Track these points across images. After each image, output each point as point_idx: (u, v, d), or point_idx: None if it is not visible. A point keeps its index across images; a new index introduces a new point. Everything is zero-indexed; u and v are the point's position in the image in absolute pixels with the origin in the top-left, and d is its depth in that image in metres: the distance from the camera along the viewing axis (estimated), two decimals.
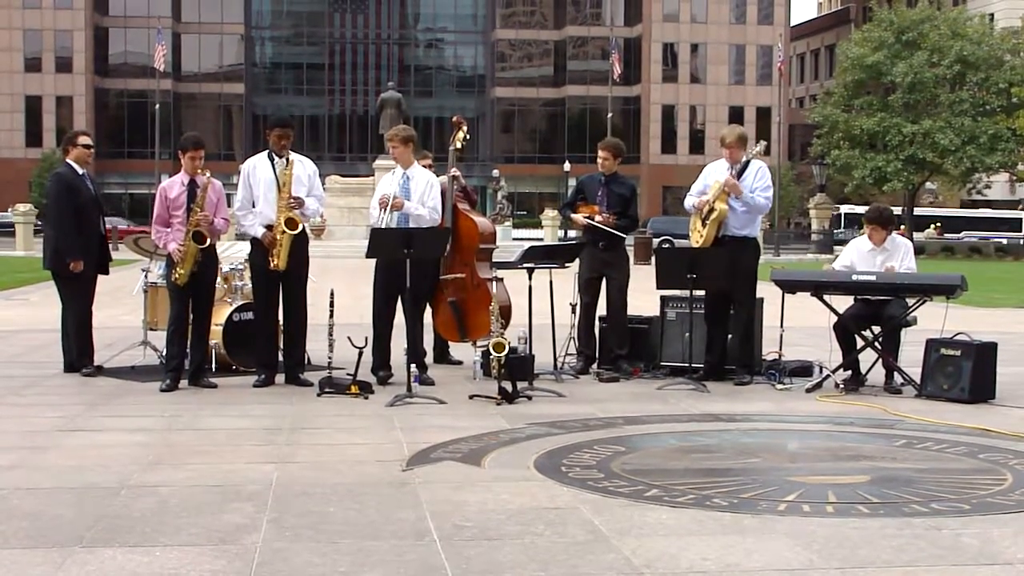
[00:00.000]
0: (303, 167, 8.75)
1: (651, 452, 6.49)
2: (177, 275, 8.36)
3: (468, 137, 10.00)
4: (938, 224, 57.63)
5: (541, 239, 40.28)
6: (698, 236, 9.10)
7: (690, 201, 9.28)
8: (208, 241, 8.43)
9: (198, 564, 4.24)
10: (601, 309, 9.52)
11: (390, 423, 7.17)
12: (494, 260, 9.76)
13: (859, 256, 9.07)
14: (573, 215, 9.54)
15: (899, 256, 8.95)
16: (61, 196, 9.04)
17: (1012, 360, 10.16)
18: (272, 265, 8.45)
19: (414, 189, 8.87)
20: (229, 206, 8.99)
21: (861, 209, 50.71)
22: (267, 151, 8.76)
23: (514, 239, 38.08)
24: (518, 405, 7.90)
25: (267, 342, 8.77)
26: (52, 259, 9.14)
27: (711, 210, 8.97)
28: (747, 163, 9.11)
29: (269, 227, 8.52)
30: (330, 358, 8.36)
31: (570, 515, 4.98)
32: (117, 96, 75.10)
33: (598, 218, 9.27)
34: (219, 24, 76.49)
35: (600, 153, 9.55)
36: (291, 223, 8.41)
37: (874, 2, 58.62)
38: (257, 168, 8.70)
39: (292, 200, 8.45)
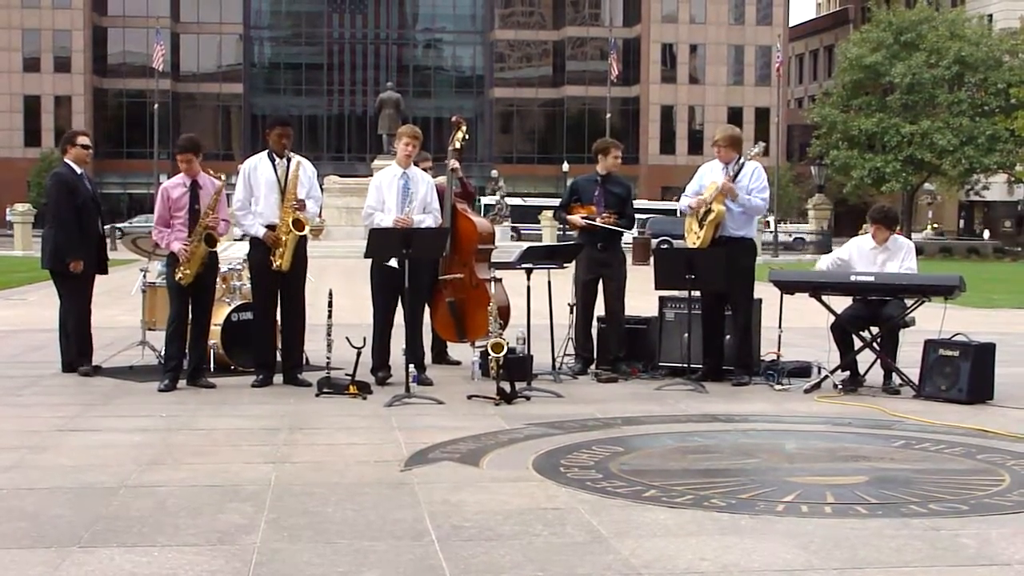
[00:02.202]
0: (303, 169, 8.74)
1: (649, 453, 6.49)
2: (182, 275, 8.35)
3: (468, 137, 9.99)
4: (936, 224, 57.62)
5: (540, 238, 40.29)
6: (694, 237, 9.09)
7: (685, 202, 9.28)
8: (218, 245, 8.46)
9: (196, 564, 4.24)
10: (599, 309, 9.51)
11: (388, 423, 7.17)
12: (493, 260, 9.77)
13: (860, 254, 9.07)
14: (569, 217, 9.51)
15: (900, 256, 8.95)
16: (61, 195, 9.04)
17: (1010, 361, 10.16)
18: (275, 266, 8.45)
19: (415, 190, 8.86)
20: (228, 206, 8.99)
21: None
22: (267, 151, 8.76)
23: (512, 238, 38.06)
24: (516, 405, 7.90)
25: (266, 342, 8.76)
26: (51, 258, 9.13)
27: (708, 211, 8.97)
28: (742, 164, 9.10)
29: (270, 227, 8.52)
30: (328, 358, 8.37)
31: (568, 515, 4.98)
32: (116, 96, 75.04)
33: (599, 219, 9.26)
34: (218, 24, 76.45)
35: (614, 152, 9.51)
36: (298, 224, 8.41)
37: (873, 3, 58.52)
38: (258, 168, 8.70)
39: (296, 202, 8.45)
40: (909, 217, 53.33)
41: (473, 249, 9.48)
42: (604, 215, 9.28)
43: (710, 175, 9.20)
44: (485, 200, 50.71)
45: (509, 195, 53.91)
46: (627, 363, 9.37)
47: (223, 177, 8.60)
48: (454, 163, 9.66)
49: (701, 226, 9.02)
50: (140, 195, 68.72)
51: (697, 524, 4.87)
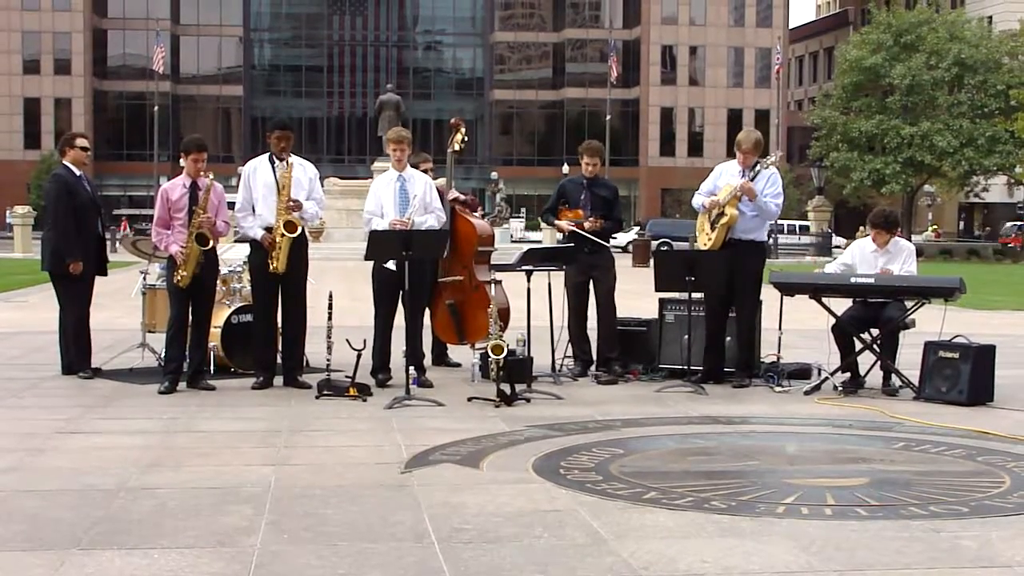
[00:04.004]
0: (303, 170, 8.75)
1: (649, 454, 6.49)
2: (180, 277, 8.36)
3: (467, 139, 10.00)
4: (936, 226, 57.64)
5: (539, 241, 40.29)
6: (706, 238, 9.10)
7: (699, 200, 9.28)
8: (211, 244, 8.44)
9: (196, 566, 4.24)
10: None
11: (389, 425, 7.17)
12: (492, 262, 9.76)
13: (861, 257, 9.09)
14: (557, 221, 9.50)
15: (901, 259, 8.96)
16: (60, 198, 9.04)
17: (1010, 363, 10.15)
18: (271, 267, 8.46)
19: (413, 192, 8.85)
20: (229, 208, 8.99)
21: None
22: (268, 154, 8.76)
23: (512, 241, 38.10)
24: (516, 407, 7.89)
25: (266, 344, 8.76)
26: (50, 261, 9.13)
27: (721, 214, 8.96)
28: (759, 169, 9.09)
29: (268, 229, 8.52)
30: (329, 360, 8.36)
31: (568, 517, 4.98)
32: (116, 98, 75.05)
33: (587, 224, 9.24)
34: (218, 26, 76.47)
35: (586, 159, 9.53)
36: (290, 226, 8.41)
37: (873, 4, 58.53)
38: (258, 171, 8.70)
39: (291, 203, 8.45)
40: (909, 219, 53.33)
41: (472, 251, 9.48)
42: (591, 219, 9.26)
43: (726, 176, 9.20)
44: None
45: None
46: (620, 363, 9.35)
47: (211, 176, 8.59)
48: (454, 194, 9.69)
49: (713, 228, 9.02)
50: (140, 197, 68.72)
51: (697, 526, 4.87)
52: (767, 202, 9.05)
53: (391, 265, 8.54)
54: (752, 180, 9.01)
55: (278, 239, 8.43)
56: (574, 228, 9.26)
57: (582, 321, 9.47)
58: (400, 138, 8.95)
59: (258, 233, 8.56)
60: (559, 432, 7.01)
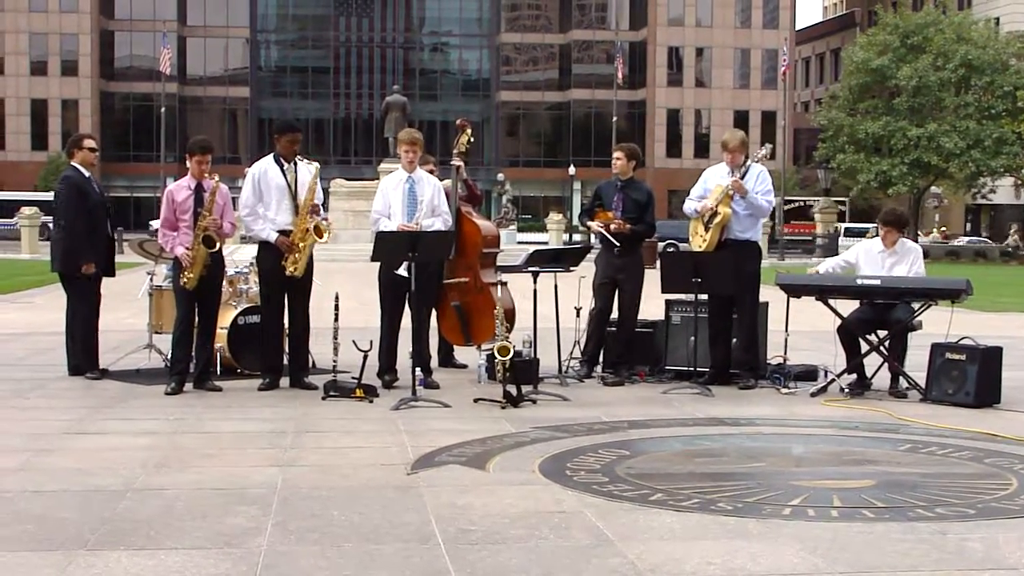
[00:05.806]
0: (308, 171, 8.74)
1: (656, 456, 6.48)
2: (186, 279, 8.37)
3: (473, 140, 10.00)
4: (943, 228, 57.61)
5: (546, 243, 40.28)
6: (700, 240, 9.10)
7: (690, 206, 9.29)
8: (217, 246, 8.45)
9: (203, 567, 4.24)
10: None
11: (395, 427, 7.17)
12: (499, 263, 9.76)
13: (868, 257, 9.07)
14: (589, 222, 9.51)
15: (909, 260, 8.95)
16: (72, 199, 9.06)
17: (1017, 364, 10.13)
18: (289, 271, 8.45)
19: (421, 193, 8.85)
20: (235, 209, 8.99)
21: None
22: (273, 155, 8.75)
23: (518, 243, 38.13)
24: (523, 409, 7.89)
25: (272, 345, 8.77)
26: (62, 262, 9.14)
27: (715, 214, 8.98)
28: (747, 167, 9.12)
29: (283, 232, 8.51)
30: (335, 361, 8.37)
31: (575, 519, 4.98)
32: (123, 99, 75.15)
33: (612, 226, 9.24)
34: (224, 28, 76.55)
35: (614, 153, 9.56)
36: (318, 231, 8.42)
37: (879, 6, 58.54)
38: (268, 173, 8.66)
39: (313, 207, 8.47)
40: (916, 221, 53.27)
41: (478, 253, 9.48)
42: (616, 222, 9.26)
43: (715, 178, 9.22)
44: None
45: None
46: (626, 367, 9.33)
47: (216, 178, 8.60)
48: (458, 162, 9.67)
49: (707, 229, 9.03)
50: (147, 198, 68.80)
51: (703, 528, 4.87)
52: (758, 198, 9.05)
53: (403, 272, 8.51)
54: (742, 178, 9.02)
55: (300, 243, 8.42)
56: (600, 230, 9.26)
57: (600, 323, 9.42)
58: (413, 139, 8.96)
59: (272, 236, 8.55)
60: (565, 433, 7.01)
